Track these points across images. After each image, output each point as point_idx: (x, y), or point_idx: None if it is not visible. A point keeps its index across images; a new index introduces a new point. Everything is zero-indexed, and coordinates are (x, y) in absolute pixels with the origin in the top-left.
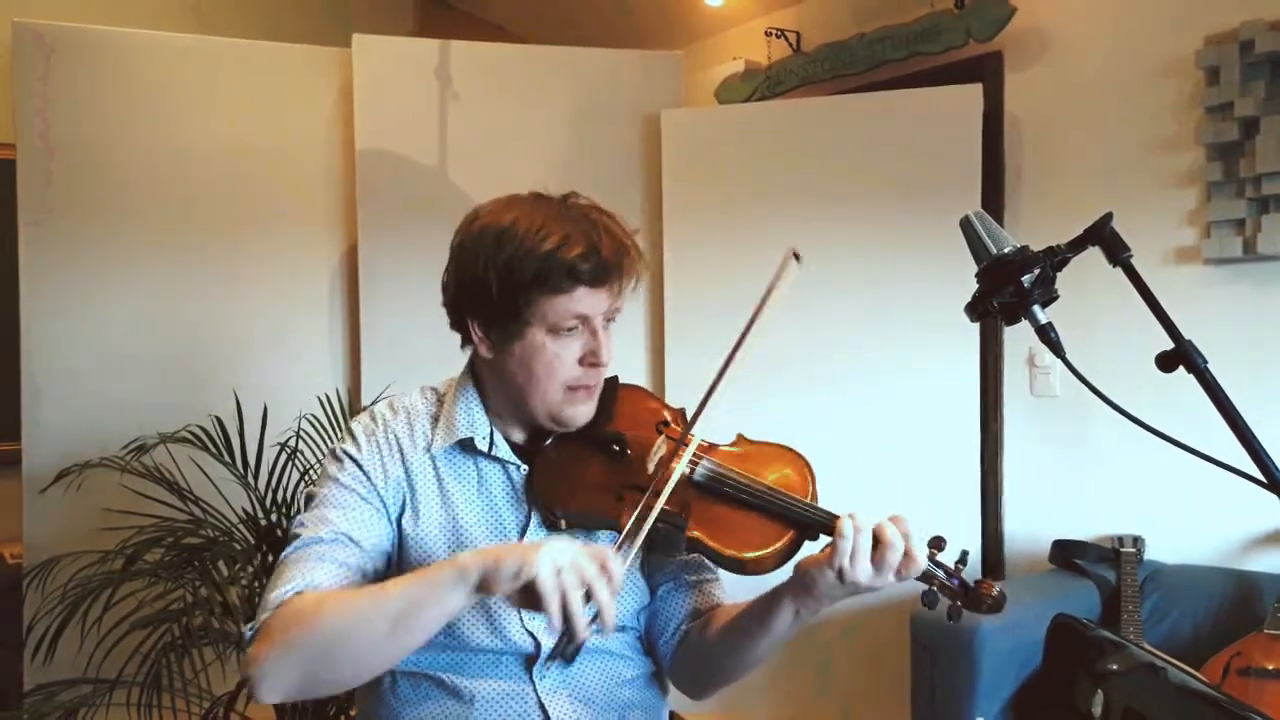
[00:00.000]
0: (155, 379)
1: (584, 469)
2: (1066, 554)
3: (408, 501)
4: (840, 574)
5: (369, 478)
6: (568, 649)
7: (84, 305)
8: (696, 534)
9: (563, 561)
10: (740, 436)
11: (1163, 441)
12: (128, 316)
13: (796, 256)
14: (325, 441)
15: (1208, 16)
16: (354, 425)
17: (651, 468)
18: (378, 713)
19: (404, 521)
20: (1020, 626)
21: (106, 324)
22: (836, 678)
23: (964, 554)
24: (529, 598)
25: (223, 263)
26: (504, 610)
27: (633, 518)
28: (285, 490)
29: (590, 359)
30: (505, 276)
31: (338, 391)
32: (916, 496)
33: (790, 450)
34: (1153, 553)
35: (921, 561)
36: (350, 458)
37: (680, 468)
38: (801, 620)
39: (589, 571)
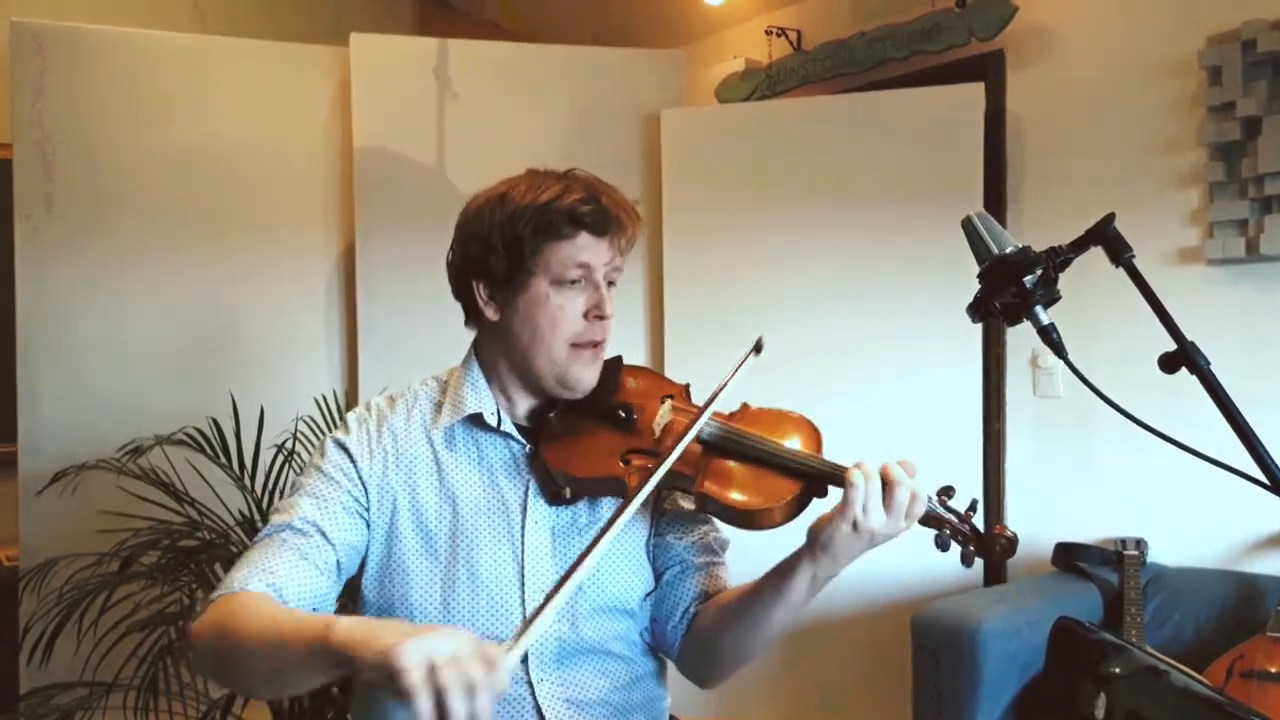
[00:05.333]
0: (152, 380)
1: (589, 436)
2: (1069, 556)
3: (399, 492)
4: (855, 525)
5: (355, 464)
6: None
7: (80, 306)
8: (705, 489)
9: (439, 656)
10: (745, 404)
11: (1165, 443)
12: (124, 318)
13: (758, 349)
14: None
15: (1210, 16)
16: (349, 415)
17: (658, 432)
18: (370, 715)
19: (399, 512)
20: (1023, 629)
21: (103, 325)
22: (837, 680)
23: (974, 501)
24: (400, 694)
25: (220, 263)
26: (503, 591)
27: (642, 479)
28: (282, 493)
29: (595, 312)
30: (509, 230)
31: (334, 393)
32: None
33: (795, 413)
34: (1155, 555)
35: (924, 498)
36: (338, 445)
37: (693, 433)
38: (819, 584)
39: (473, 672)
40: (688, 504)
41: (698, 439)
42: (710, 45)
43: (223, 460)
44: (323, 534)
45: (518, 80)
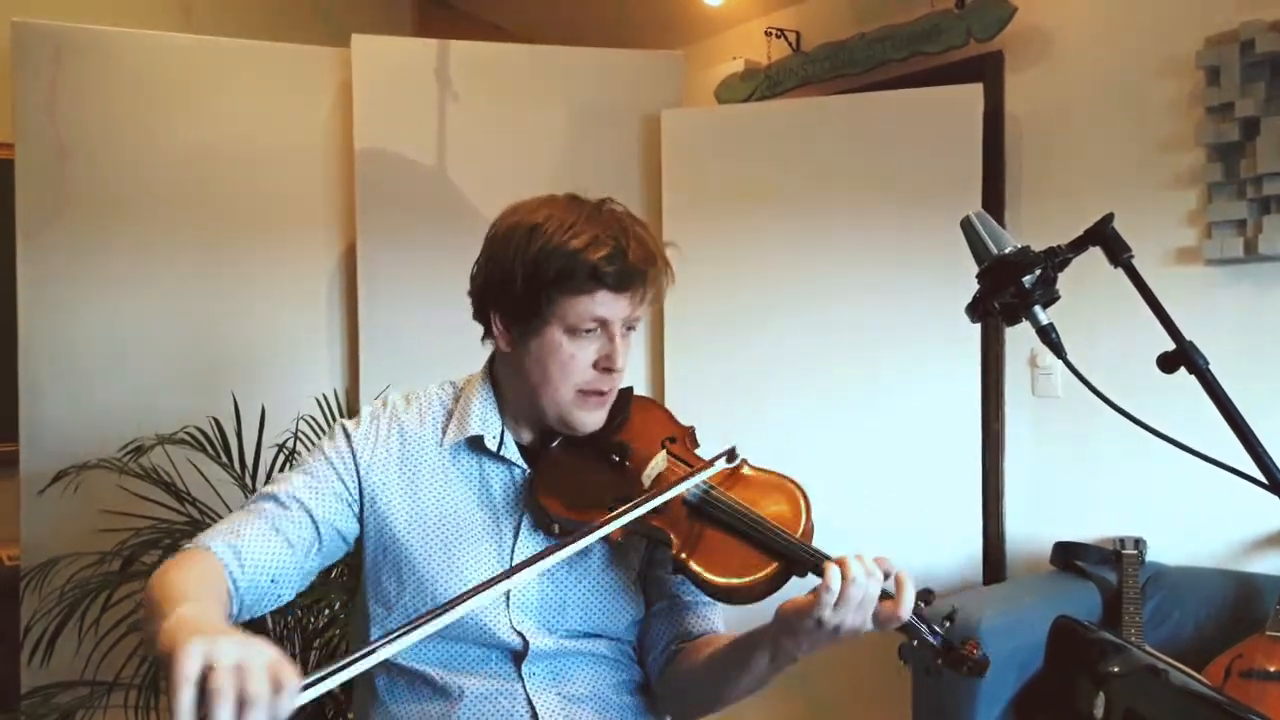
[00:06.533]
0: (153, 380)
1: (583, 475)
2: (1068, 555)
3: (396, 493)
4: (820, 622)
5: (355, 456)
6: None
7: (82, 306)
8: (682, 559)
9: (223, 659)
10: (743, 461)
11: (1164, 443)
12: (125, 317)
13: (730, 458)
14: None
15: (1208, 16)
16: (365, 408)
17: (647, 483)
18: (372, 711)
19: (395, 513)
20: (1021, 628)
21: (104, 325)
22: (835, 678)
23: (953, 610)
24: (169, 689)
25: (221, 263)
26: (491, 608)
27: (606, 518)
28: None
29: (605, 363)
30: (531, 271)
31: (335, 393)
32: (917, 497)
33: (789, 481)
34: (1154, 554)
35: (905, 615)
36: (345, 434)
37: (677, 491)
38: (778, 666)
39: (252, 684)
40: (665, 567)
41: (683, 499)
42: (710, 46)
43: (224, 460)
44: (306, 511)
45: (518, 81)
